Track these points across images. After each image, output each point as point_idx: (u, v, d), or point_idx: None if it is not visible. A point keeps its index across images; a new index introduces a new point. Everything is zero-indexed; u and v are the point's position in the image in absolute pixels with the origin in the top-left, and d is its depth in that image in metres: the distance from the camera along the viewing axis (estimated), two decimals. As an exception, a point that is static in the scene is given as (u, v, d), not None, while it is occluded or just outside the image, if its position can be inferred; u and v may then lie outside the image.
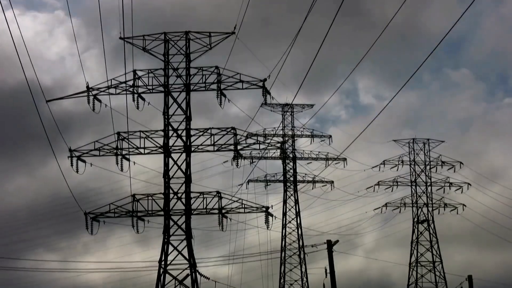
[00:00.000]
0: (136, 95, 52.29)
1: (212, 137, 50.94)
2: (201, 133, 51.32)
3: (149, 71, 52.42)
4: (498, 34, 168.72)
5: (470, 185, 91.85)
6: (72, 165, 51.23)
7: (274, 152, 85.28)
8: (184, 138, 51.47)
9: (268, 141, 52.72)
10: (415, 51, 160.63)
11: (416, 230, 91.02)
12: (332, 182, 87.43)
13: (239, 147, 51.07)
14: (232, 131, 50.87)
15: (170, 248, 50.52)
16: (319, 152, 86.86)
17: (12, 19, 33.11)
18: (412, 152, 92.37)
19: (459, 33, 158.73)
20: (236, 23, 50.97)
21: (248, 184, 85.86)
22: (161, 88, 52.25)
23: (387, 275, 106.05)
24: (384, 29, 29.93)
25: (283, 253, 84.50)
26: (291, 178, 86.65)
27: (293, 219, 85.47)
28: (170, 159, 51.28)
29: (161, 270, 50.24)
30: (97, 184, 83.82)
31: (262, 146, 52.06)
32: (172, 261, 50.45)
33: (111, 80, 51.80)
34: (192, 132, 51.57)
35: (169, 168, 51.19)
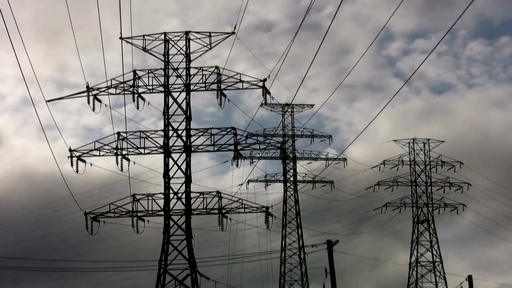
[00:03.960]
0: (136, 95, 52.30)
1: (212, 137, 50.96)
2: (201, 133, 51.34)
3: (149, 71, 52.42)
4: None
5: (470, 185, 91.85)
6: (72, 165, 51.23)
7: (274, 152, 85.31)
8: (184, 138, 51.49)
9: (268, 141, 52.73)
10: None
11: (416, 230, 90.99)
12: (332, 182, 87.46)
13: (239, 147, 51.09)
14: (232, 131, 50.89)
15: (170, 248, 50.53)
16: (319, 152, 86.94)
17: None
18: (412, 152, 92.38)
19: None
20: (236, 23, 51.06)
21: (248, 184, 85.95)
22: (161, 88, 52.26)
23: (387, 275, 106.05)
24: (380, 32, 29.89)
25: (283, 253, 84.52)
26: (291, 178, 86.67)
27: (293, 219, 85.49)
28: (170, 159, 51.30)
29: (161, 270, 50.24)
30: (97, 184, 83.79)
31: (262, 146, 52.10)
32: (172, 261, 50.46)
33: (111, 80, 51.89)
34: (192, 132, 51.60)
35: (169, 168, 51.19)
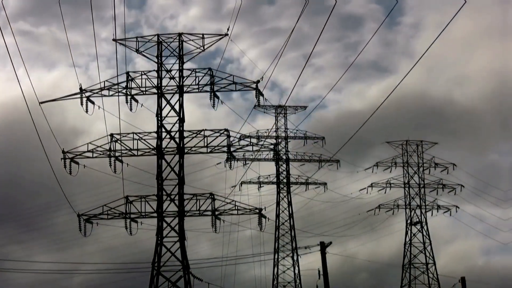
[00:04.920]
0: (129, 97, 52.30)
1: (205, 138, 50.99)
2: (194, 135, 51.36)
3: (142, 73, 52.45)
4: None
5: (463, 186, 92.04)
6: (65, 167, 51.21)
7: (267, 154, 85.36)
8: (177, 139, 51.51)
9: (261, 142, 52.79)
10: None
11: (409, 232, 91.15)
12: (325, 184, 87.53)
13: (232, 149, 51.13)
14: (225, 133, 50.93)
15: (163, 250, 50.53)
16: (312, 154, 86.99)
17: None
18: (405, 153, 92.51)
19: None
20: (229, 25, 51.12)
21: (241, 185, 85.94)
22: (155, 90, 52.26)
23: (380, 277, 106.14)
24: (375, 33, 30.03)
25: (276, 254, 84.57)
26: (284, 180, 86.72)
27: (286, 220, 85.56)
28: (163, 160, 51.30)
29: (154, 272, 50.23)
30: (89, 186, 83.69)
31: (255, 148, 52.15)
32: (165, 263, 50.45)
33: (104, 81, 51.91)
34: (185, 134, 51.62)
35: (162, 169, 51.20)
